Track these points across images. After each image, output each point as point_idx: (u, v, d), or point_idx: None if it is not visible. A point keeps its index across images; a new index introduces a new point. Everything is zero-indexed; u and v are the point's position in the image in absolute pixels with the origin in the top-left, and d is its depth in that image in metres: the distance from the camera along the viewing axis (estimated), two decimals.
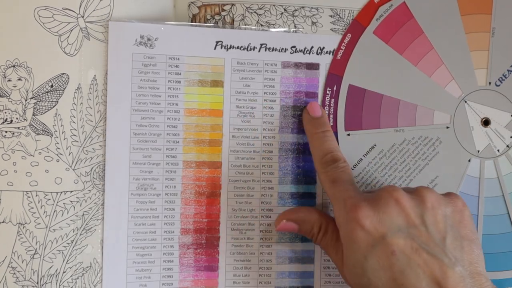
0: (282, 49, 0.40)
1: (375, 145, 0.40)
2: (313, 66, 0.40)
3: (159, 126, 0.38)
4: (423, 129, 0.40)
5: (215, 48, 0.39)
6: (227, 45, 0.39)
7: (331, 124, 0.40)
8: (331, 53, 0.40)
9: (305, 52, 0.40)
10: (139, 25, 0.38)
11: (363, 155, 0.40)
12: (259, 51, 0.39)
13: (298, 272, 0.40)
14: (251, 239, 0.39)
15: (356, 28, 0.40)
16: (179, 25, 0.39)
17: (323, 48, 0.40)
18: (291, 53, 0.40)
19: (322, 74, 0.40)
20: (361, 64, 0.40)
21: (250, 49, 0.39)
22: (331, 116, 0.40)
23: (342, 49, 0.40)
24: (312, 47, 0.40)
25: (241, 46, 0.39)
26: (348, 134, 0.40)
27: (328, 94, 0.40)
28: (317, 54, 0.40)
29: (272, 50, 0.39)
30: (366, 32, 0.40)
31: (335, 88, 0.40)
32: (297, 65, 0.40)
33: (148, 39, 0.38)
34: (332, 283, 0.40)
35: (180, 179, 0.39)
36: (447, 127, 0.41)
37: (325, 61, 0.40)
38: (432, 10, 0.41)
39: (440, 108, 0.41)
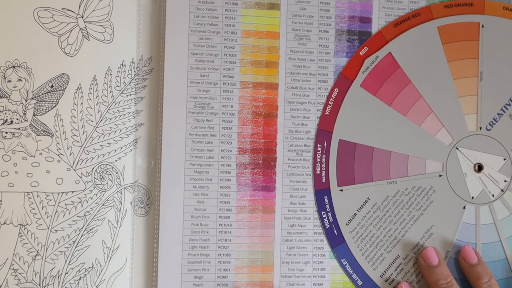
0: None
1: (368, 198, 0.40)
2: None
3: (216, 47, 0.39)
4: (415, 179, 0.40)
5: None
6: None
7: (324, 181, 0.40)
8: None
9: None
10: None
11: (357, 210, 0.40)
12: None
13: None
14: (307, 160, 0.40)
15: (343, 82, 0.40)
16: None
17: None
18: None
19: (375, 0, 0.41)
20: (350, 118, 0.40)
21: None
22: (323, 172, 0.40)
23: (330, 105, 0.40)
24: None
25: None
26: (341, 190, 0.40)
27: (319, 151, 0.40)
28: None
29: None
30: (353, 86, 0.40)
31: (325, 144, 0.40)
32: None
33: None
34: None
35: (237, 99, 0.40)
36: (440, 175, 0.41)
37: None
38: (418, 59, 0.41)
39: (431, 156, 0.41)
